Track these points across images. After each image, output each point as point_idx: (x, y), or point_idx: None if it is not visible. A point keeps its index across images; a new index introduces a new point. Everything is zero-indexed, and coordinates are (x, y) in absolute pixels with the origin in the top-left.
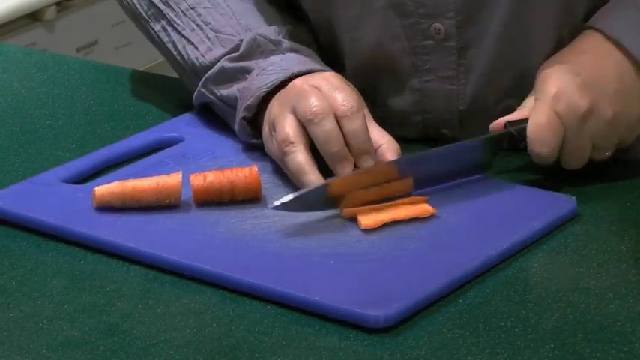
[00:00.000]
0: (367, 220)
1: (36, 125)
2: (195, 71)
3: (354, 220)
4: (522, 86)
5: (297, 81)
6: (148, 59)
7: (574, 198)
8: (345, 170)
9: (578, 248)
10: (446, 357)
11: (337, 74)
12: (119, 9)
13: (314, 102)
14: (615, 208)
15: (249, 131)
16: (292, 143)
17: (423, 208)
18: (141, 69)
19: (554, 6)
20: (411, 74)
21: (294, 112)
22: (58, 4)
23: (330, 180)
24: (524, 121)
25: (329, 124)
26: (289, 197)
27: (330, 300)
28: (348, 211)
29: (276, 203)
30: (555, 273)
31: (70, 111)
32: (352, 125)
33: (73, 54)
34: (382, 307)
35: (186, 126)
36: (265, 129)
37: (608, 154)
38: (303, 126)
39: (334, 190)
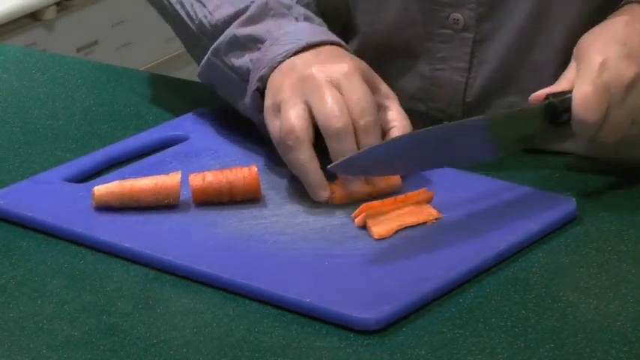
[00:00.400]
0: (379, 229)
1: (36, 125)
2: (203, 31)
3: (365, 227)
4: (530, 83)
5: (315, 71)
6: (148, 59)
7: (574, 199)
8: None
9: (578, 248)
10: (446, 357)
11: (357, 65)
12: (119, 9)
13: (335, 112)
14: (615, 208)
15: (261, 104)
16: (298, 138)
17: (430, 213)
18: (141, 69)
19: (575, 5)
20: (423, 60)
21: (307, 105)
22: (58, 4)
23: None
24: (567, 92)
25: (349, 144)
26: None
27: (321, 302)
28: (360, 219)
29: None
30: (555, 273)
31: (70, 111)
32: (368, 141)
33: (73, 54)
34: (373, 310)
35: (191, 125)
36: (268, 102)
37: None
38: (311, 118)
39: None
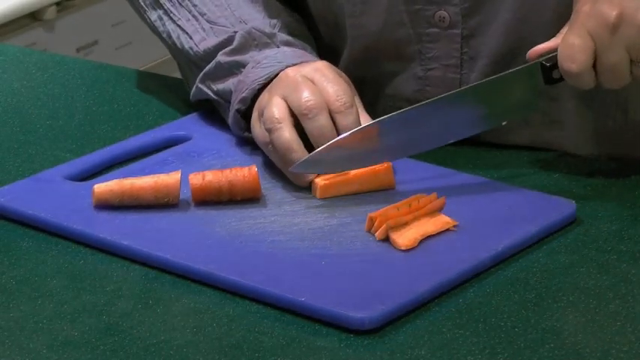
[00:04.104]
0: (403, 239)
1: (36, 125)
2: (190, 59)
3: (387, 239)
4: None
5: (289, 71)
6: (148, 59)
7: (574, 202)
8: None
9: (578, 248)
10: (446, 357)
11: (329, 64)
12: (119, 9)
13: (307, 95)
14: (615, 208)
15: (243, 124)
16: (278, 121)
17: (447, 221)
18: (141, 69)
19: None
20: (414, 61)
21: (285, 99)
22: (58, 4)
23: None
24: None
25: (323, 120)
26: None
27: (316, 301)
28: (381, 232)
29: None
30: (555, 273)
31: (70, 111)
32: (346, 121)
33: (73, 54)
34: (367, 310)
35: (194, 124)
36: (255, 114)
37: None
38: (291, 110)
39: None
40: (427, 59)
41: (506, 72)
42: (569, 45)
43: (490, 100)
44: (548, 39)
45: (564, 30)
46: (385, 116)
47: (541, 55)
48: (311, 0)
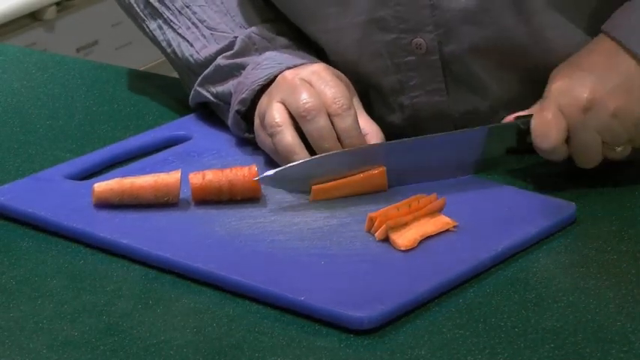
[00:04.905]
0: (403, 239)
1: (36, 125)
2: (190, 67)
3: (387, 240)
4: (517, 98)
5: (287, 74)
6: (148, 59)
7: (574, 204)
8: None
9: (578, 248)
10: (446, 357)
11: (328, 66)
12: (119, 9)
13: (305, 98)
14: (615, 208)
15: (243, 125)
16: (279, 124)
17: (447, 222)
18: (141, 69)
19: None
20: (398, 92)
21: (284, 103)
22: (58, 4)
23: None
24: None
25: (322, 122)
26: (272, 171)
27: (316, 301)
28: (381, 233)
29: (261, 176)
30: (555, 273)
31: (70, 111)
32: (344, 123)
33: (73, 54)
34: (366, 309)
35: (194, 124)
36: (256, 121)
37: (619, 149)
38: (291, 114)
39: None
40: (410, 88)
41: (487, 126)
42: (543, 121)
43: (460, 152)
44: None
45: (540, 102)
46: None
47: (518, 118)
48: (292, 21)
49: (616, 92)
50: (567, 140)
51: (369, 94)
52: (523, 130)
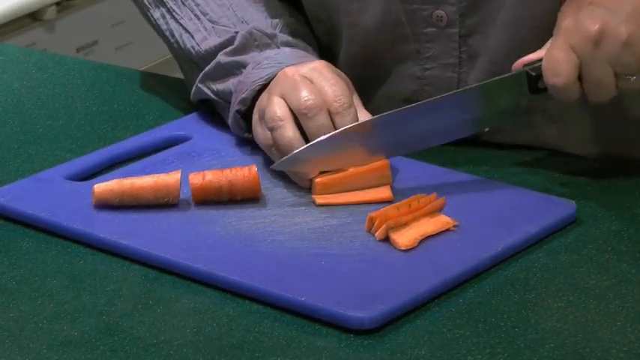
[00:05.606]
0: (403, 239)
1: (36, 125)
2: (192, 59)
3: (387, 240)
4: None
5: (287, 70)
6: (148, 59)
7: (574, 202)
8: None
9: (578, 248)
10: (446, 357)
11: (328, 64)
12: (119, 9)
13: (306, 95)
14: (615, 208)
15: (243, 125)
16: (280, 119)
17: (447, 221)
18: (141, 69)
19: None
20: (412, 61)
21: (284, 98)
22: (58, 4)
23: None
24: (541, 59)
25: (322, 119)
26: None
27: (316, 301)
28: (381, 232)
29: (276, 163)
30: (555, 273)
31: (70, 111)
32: (344, 121)
33: (73, 54)
34: (366, 309)
35: (195, 124)
36: (255, 116)
37: (633, 79)
38: (292, 109)
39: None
40: (425, 59)
41: (493, 79)
42: (553, 59)
43: (475, 106)
44: (547, 37)
45: (548, 43)
46: (368, 119)
47: (526, 65)
48: (304, 0)
49: (627, 19)
50: (580, 78)
51: (381, 65)
52: (533, 75)
